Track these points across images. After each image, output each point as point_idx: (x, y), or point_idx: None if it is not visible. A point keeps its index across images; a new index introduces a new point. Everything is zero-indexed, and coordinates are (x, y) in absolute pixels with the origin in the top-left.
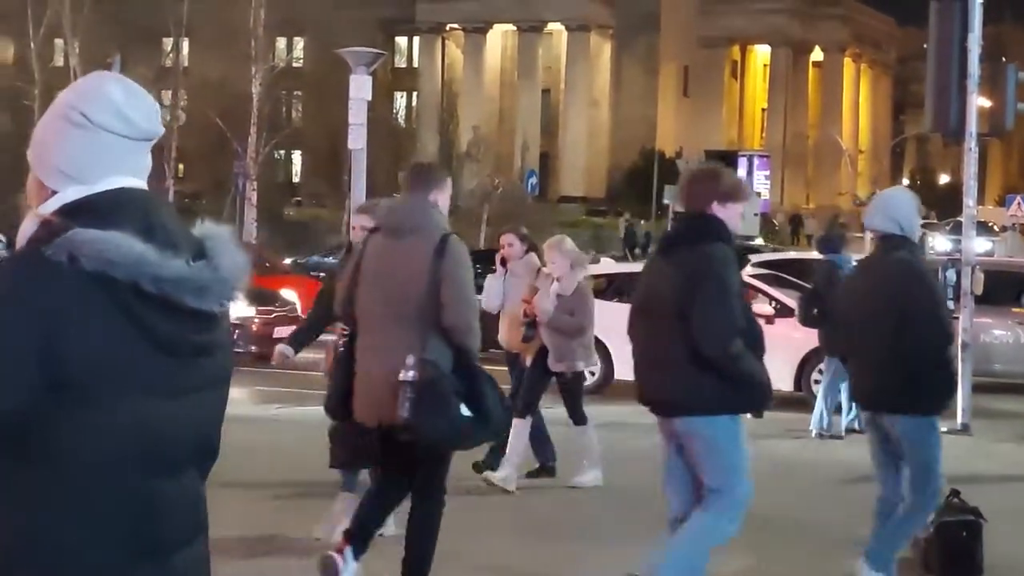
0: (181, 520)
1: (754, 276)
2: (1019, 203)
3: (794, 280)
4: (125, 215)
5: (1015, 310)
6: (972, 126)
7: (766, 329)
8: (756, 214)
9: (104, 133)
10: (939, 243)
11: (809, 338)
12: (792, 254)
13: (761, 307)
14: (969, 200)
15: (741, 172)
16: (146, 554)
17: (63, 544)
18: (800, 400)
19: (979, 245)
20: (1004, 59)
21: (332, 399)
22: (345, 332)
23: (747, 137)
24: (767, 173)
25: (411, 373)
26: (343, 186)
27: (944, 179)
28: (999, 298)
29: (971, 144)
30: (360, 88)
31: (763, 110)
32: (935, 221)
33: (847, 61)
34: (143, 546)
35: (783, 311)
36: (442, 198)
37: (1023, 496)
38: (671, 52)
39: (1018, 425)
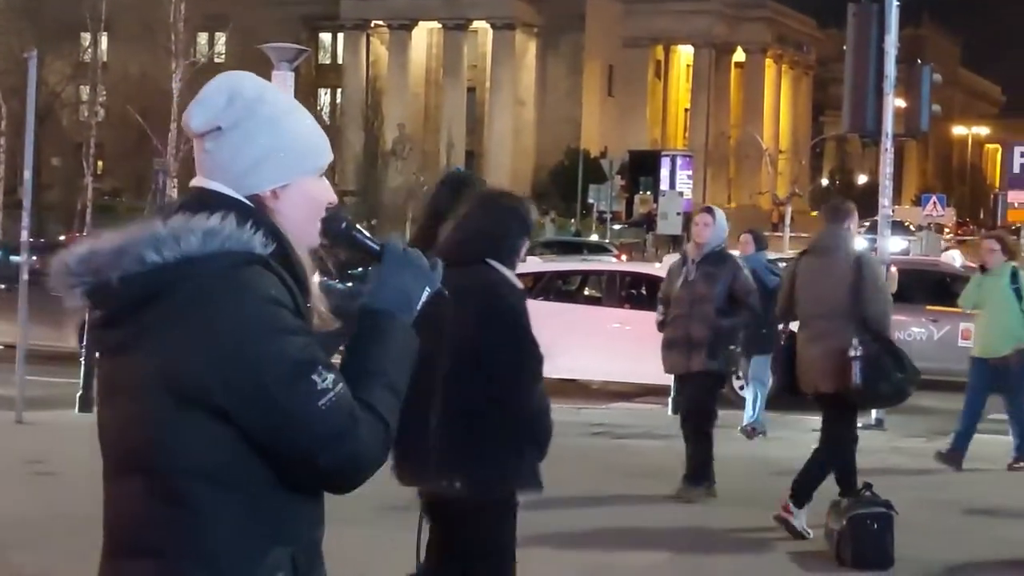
0: (109, 528)
1: None
2: (935, 203)
3: None
4: None
5: (929, 308)
6: (888, 127)
7: None
8: (679, 213)
9: None
10: (856, 243)
11: None
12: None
13: None
14: (885, 200)
15: (664, 172)
16: (104, 554)
17: None
18: None
19: (895, 244)
20: (920, 61)
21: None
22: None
23: (670, 137)
24: (690, 173)
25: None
26: None
27: (862, 179)
28: (914, 296)
29: (887, 144)
30: (282, 85)
31: (686, 110)
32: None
33: (769, 62)
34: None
35: None
36: (853, 225)
37: (933, 489)
38: (596, 52)
39: (930, 420)
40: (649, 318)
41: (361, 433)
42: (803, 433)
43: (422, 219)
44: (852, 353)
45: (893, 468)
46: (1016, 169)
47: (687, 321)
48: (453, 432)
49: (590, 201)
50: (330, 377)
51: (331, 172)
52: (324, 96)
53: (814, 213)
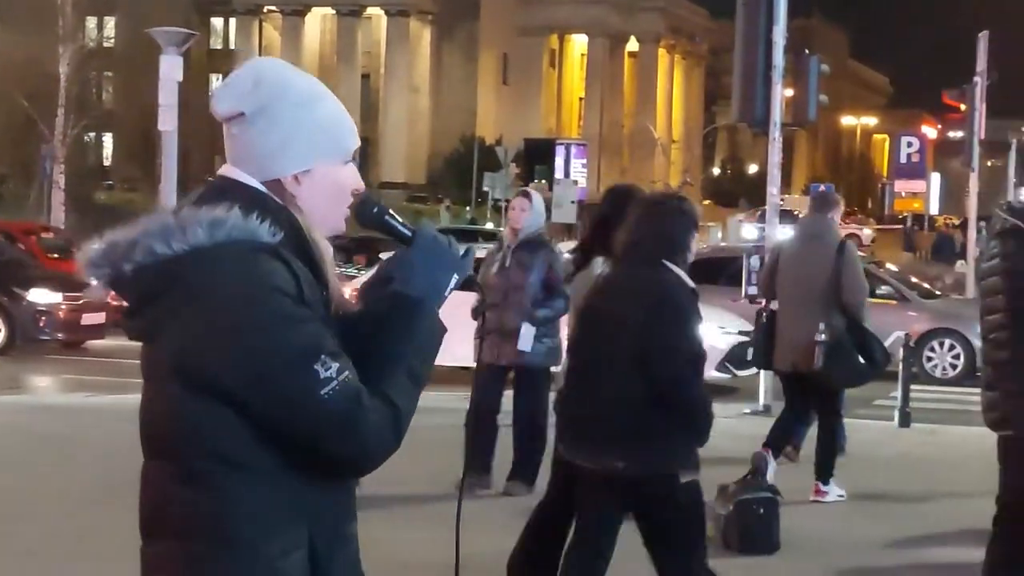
0: (141, 510)
1: None
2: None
3: None
4: None
5: None
6: (777, 116)
7: None
8: (573, 202)
9: None
10: (747, 231)
11: None
12: None
13: None
14: (773, 188)
15: (559, 160)
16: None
17: None
18: None
19: (784, 233)
20: (808, 52)
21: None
22: None
23: (565, 125)
24: (584, 161)
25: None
26: (156, 170)
27: (753, 168)
28: None
29: (776, 134)
30: (171, 69)
31: (581, 99)
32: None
33: (662, 52)
34: None
35: None
36: (838, 215)
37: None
38: (491, 40)
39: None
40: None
41: (367, 420)
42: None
43: (589, 225)
44: (817, 337)
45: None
46: (903, 159)
47: (500, 310)
48: (623, 418)
49: (485, 189)
50: (334, 366)
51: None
52: (216, 82)
53: (707, 202)
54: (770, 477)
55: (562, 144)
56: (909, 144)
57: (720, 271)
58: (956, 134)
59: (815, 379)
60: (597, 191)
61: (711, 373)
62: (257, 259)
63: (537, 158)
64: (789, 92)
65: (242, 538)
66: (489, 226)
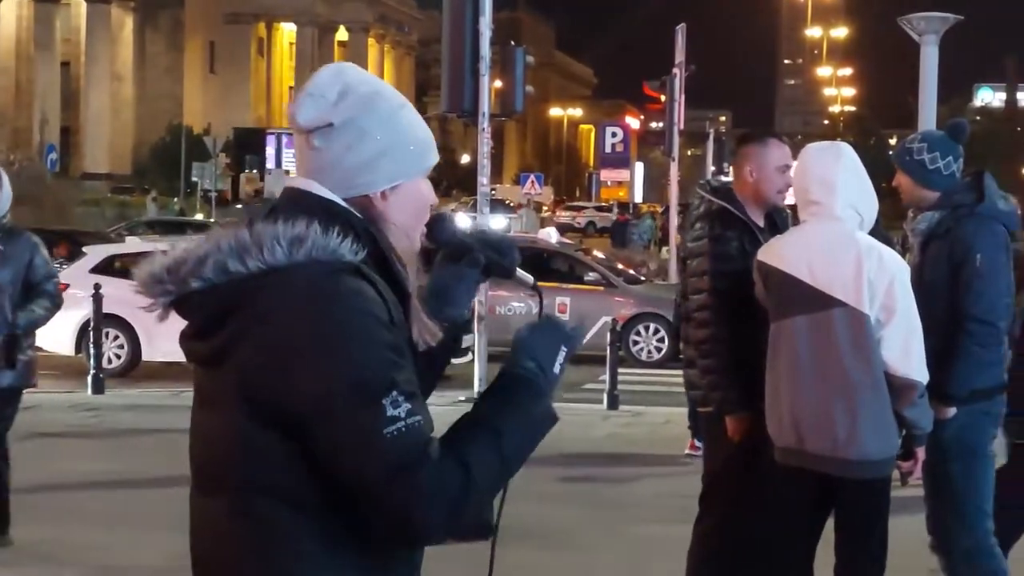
0: (192, 541)
1: None
2: (533, 181)
3: None
4: None
5: None
6: (485, 107)
7: None
8: None
9: None
10: (459, 221)
11: None
12: None
13: None
14: (483, 178)
15: (270, 150)
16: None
17: None
18: None
19: (496, 222)
20: (513, 43)
21: None
22: None
23: (275, 115)
24: (295, 152)
25: None
26: None
27: (465, 158)
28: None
29: (484, 124)
30: None
31: (291, 88)
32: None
33: (371, 42)
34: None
35: None
36: None
37: (533, 457)
38: (196, 27)
39: None
40: None
41: (428, 477)
42: None
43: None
44: None
45: None
46: (608, 148)
47: None
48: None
49: (194, 179)
50: (405, 406)
51: None
52: None
53: None
54: None
55: (273, 134)
56: (613, 134)
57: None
58: (658, 124)
59: None
60: None
61: None
62: (338, 279)
63: (247, 148)
64: (498, 83)
65: None
66: (199, 217)
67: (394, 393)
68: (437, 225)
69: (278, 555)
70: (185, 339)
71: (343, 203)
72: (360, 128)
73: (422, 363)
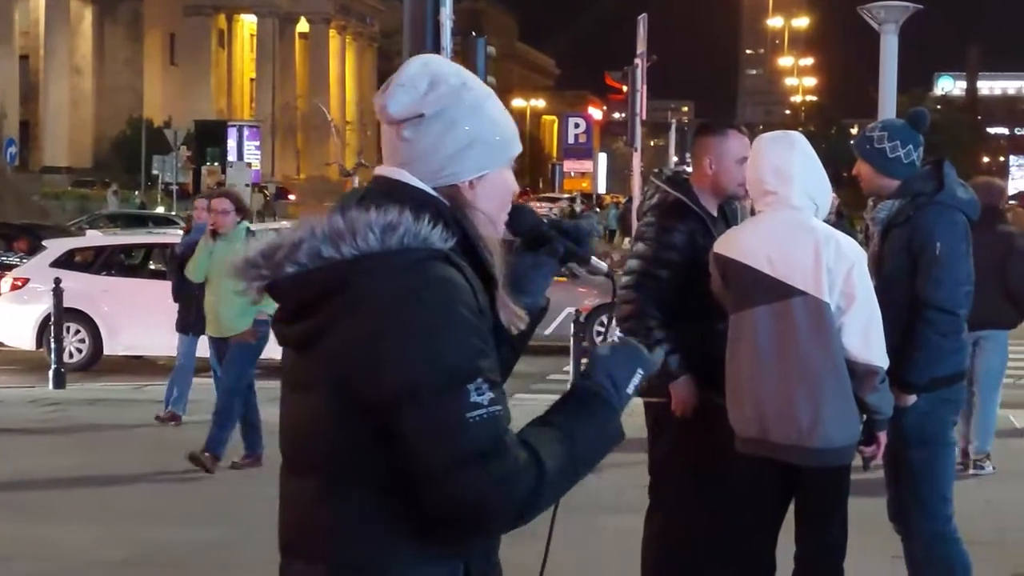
0: (281, 526)
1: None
2: None
3: None
4: None
5: None
6: None
7: None
8: (247, 184)
9: None
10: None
11: None
12: (286, 224)
13: None
14: None
15: (232, 143)
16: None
17: None
18: None
19: None
20: (474, 34)
21: None
22: None
23: (236, 107)
24: (257, 143)
25: None
26: None
27: None
28: None
29: None
30: None
31: (252, 80)
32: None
33: (333, 33)
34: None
35: None
36: None
37: None
38: (156, 20)
39: None
40: None
41: (503, 465)
42: None
43: None
44: None
45: None
46: (571, 139)
47: None
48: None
49: (155, 172)
50: (488, 395)
51: None
52: None
53: None
54: None
55: (234, 126)
56: (576, 125)
57: None
58: (620, 115)
59: None
60: (272, 174)
61: None
62: (429, 266)
63: (209, 140)
64: None
65: (386, 567)
66: (160, 210)
67: (479, 380)
68: (518, 214)
69: (361, 537)
70: (276, 323)
71: (433, 192)
72: (450, 119)
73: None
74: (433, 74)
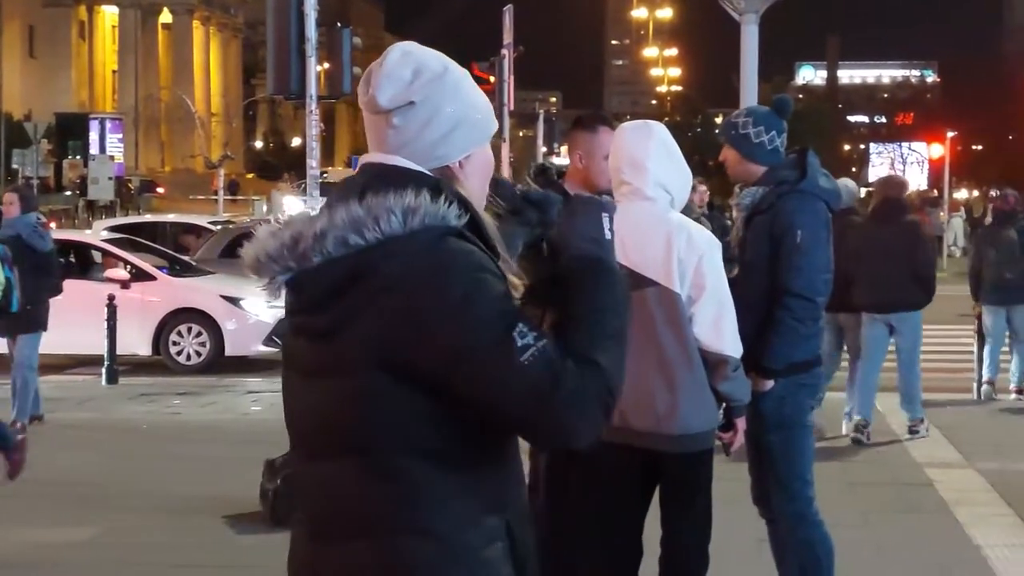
0: (314, 513)
1: (108, 240)
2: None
3: (149, 244)
4: None
5: None
6: (313, 89)
7: (122, 293)
8: (111, 178)
9: None
10: (289, 203)
11: (167, 302)
12: (148, 217)
13: (116, 272)
14: (312, 161)
15: (94, 136)
16: (310, 538)
17: None
18: (158, 364)
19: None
20: (340, 24)
21: None
22: None
23: (98, 99)
24: (121, 136)
25: None
26: None
27: (296, 141)
28: None
29: (312, 107)
30: None
31: (114, 72)
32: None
33: (196, 24)
34: (300, 523)
35: (140, 275)
36: None
37: None
38: (15, 11)
39: None
40: (82, 287)
41: (572, 387)
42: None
43: None
44: None
45: None
46: None
47: None
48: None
49: (15, 167)
50: (531, 335)
51: None
52: None
53: (250, 175)
54: None
55: (96, 119)
56: None
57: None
58: None
59: None
60: (136, 167)
61: (259, 348)
62: (451, 242)
63: (70, 134)
64: (327, 65)
65: (442, 530)
66: None
67: (520, 325)
68: (499, 187)
69: (419, 509)
70: (292, 314)
71: (430, 174)
72: (436, 103)
73: None
74: (416, 62)
